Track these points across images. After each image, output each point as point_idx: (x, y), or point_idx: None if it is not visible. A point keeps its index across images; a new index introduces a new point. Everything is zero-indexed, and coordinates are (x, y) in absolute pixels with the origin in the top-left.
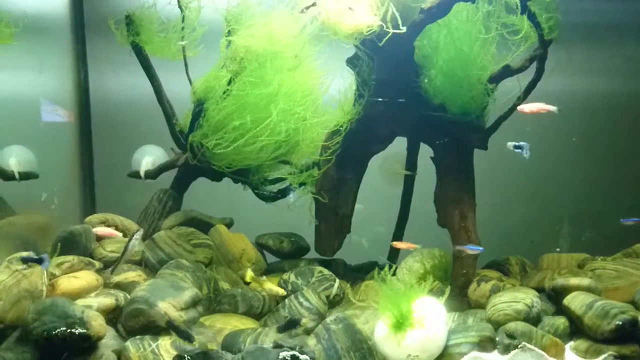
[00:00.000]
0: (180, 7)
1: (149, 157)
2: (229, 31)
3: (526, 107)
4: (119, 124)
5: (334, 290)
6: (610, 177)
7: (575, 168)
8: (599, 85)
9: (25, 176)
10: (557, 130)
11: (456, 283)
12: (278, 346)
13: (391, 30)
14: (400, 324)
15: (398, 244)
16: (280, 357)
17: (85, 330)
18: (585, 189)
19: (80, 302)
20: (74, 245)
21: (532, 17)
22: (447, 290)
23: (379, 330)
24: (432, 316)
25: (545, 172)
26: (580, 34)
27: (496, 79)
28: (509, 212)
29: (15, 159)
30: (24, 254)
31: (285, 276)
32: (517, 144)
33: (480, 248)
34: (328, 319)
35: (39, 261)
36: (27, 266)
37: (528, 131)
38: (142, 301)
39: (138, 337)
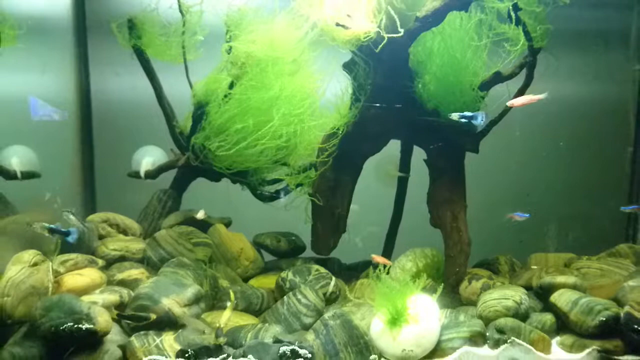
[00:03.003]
0: (181, 11)
1: (149, 158)
2: (229, 37)
3: (516, 102)
4: (119, 124)
5: (331, 287)
6: (595, 179)
7: (561, 170)
8: (585, 91)
9: (27, 175)
10: (544, 134)
11: (448, 281)
12: (278, 341)
13: (387, 36)
14: (395, 320)
15: (377, 258)
16: (280, 351)
17: (91, 326)
18: (571, 191)
19: (85, 298)
20: (77, 243)
21: (522, 26)
22: (440, 288)
23: (375, 326)
24: (425, 313)
25: (533, 175)
26: (566, 41)
27: (488, 85)
28: (498, 212)
29: (17, 158)
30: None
31: (283, 274)
32: (462, 114)
33: (527, 214)
34: (326, 315)
35: (66, 234)
36: (51, 235)
37: (517, 135)
38: (146, 297)
39: (142, 332)
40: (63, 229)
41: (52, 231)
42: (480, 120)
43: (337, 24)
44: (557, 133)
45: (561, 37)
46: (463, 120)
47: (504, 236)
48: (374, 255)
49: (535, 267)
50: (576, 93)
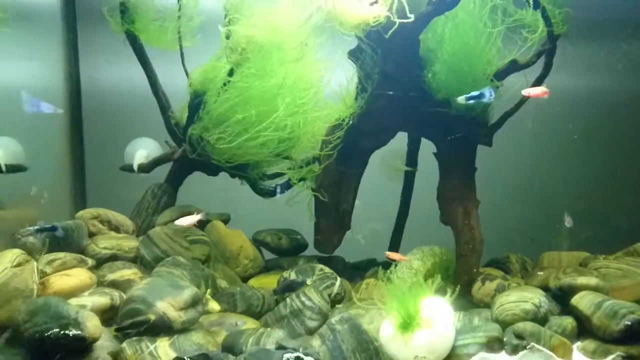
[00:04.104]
0: None
1: (142, 150)
2: (229, 20)
3: (532, 91)
4: (111, 115)
5: (336, 288)
6: (610, 174)
7: (575, 165)
8: (600, 83)
9: (13, 169)
10: (558, 127)
11: (460, 281)
12: (281, 347)
13: (398, 21)
14: (407, 324)
15: (392, 255)
16: (284, 358)
17: (79, 332)
18: (585, 186)
19: (73, 301)
20: (66, 241)
21: (542, 11)
22: (452, 288)
23: (385, 330)
24: (439, 316)
25: (546, 169)
26: (582, 30)
27: (502, 74)
28: (507, 209)
29: (2, 150)
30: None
31: (285, 274)
32: (468, 95)
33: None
34: (333, 319)
35: (52, 229)
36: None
37: (529, 127)
38: (139, 301)
39: (135, 338)
40: (47, 225)
41: (38, 231)
42: (489, 96)
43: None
44: (571, 126)
45: (577, 26)
46: (471, 101)
47: (513, 233)
48: (388, 253)
49: (541, 273)
50: (592, 84)
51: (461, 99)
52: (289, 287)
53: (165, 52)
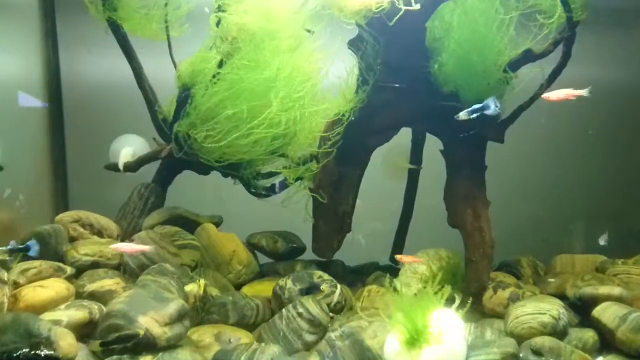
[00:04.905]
0: None
1: (128, 148)
2: (218, 6)
3: (552, 95)
4: (94, 109)
5: (336, 297)
6: (627, 173)
7: (590, 162)
8: (619, 76)
9: None
10: (572, 122)
11: (469, 289)
12: None
13: (404, 8)
14: (414, 340)
15: (403, 258)
16: None
17: (52, 352)
18: (600, 185)
19: (47, 315)
20: (42, 248)
21: None
22: (461, 297)
23: (390, 346)
24: (449, 330)
25: (559, 167)
26: (601, 17)
27: (516, 64)
28: (518, 208)
29: None
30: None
31: (281, 282)
32: (470, 110)
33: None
34: (333, 335)
35: (25, 249)
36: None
37: (542, 122)
38: (120, 315)
39: (115, 356)
40: (20, 245)
41: (11, 252)
42: (494, 108)
43: None
44: (586, 121)
45: (595, 15)
46: (474, 115)
47: (523, 235)
48: (399, 256)
49: (552, 280)
50: (609, 78)
51: (463, 115)
52: (311, 290)
53: (152, 42)
